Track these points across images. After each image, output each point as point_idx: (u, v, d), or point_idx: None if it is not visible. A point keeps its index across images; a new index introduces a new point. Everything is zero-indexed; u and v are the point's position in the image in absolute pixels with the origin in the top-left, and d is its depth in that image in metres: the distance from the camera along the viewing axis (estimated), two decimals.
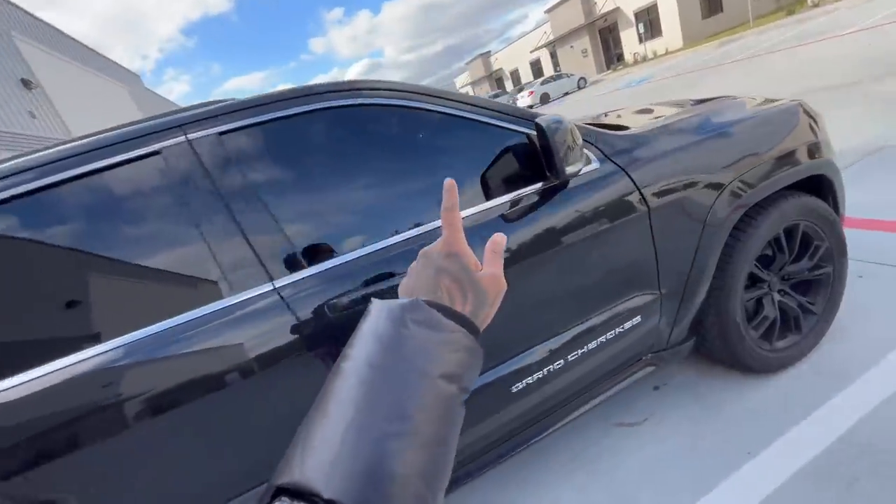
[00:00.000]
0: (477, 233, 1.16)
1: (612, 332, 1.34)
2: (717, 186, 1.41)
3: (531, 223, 1.22)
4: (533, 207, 1.23)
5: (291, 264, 1.04)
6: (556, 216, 1.24)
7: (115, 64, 17.53)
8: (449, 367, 0.33)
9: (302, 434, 0.31)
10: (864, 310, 1.86)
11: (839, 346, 1.72)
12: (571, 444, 1.68)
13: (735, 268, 1.48)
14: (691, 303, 1.46)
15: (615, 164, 1.31)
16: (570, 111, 13.94)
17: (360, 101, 1.16)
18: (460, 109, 1.22)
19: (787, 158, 1.55)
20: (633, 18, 23.30)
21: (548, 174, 1.17)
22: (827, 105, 4.89)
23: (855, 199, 2.77)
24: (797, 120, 1.65)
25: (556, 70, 29.44)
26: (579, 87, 21.85)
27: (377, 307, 0.36)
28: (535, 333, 1.28)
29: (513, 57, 37.47)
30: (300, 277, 1.03)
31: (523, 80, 35.05)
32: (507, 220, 1.21)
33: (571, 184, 1.27)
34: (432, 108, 1.18)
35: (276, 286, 1.02)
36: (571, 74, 22.60)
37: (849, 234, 2.45)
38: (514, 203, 1.23)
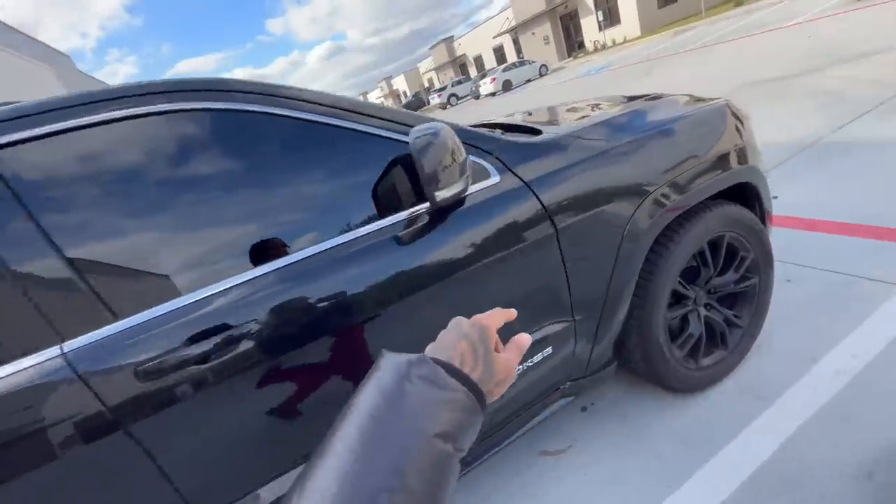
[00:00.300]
0: (363, 258, 0.98)
1: (519, 367, 1.19)
2: (637, 198, 1.27)
3: (420, 250, 1.04)
4: (422, 231, 1.04)
5: (86, 321, 0.81)
6: (449, 241, 1.06)
7: (40, 43, 15.88)
8: (445, 427, 0.34)
9: (301, 477, 0.32)
10: (791, 317, 1.80)
11: (765, 359, 1.65)
12: (493, 476, 1.55)
13: (657, 286, 1.36)
14: (610, 326, 1.33)
15: (518, 177, 1.14)
16: (531, 100, 13.89)
17: (199, 105, 0.92)
18: (329, 116, 1.00)
19: (715, 165, 1.43)
20: (592, 6, 23.40)
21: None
22: (767, 98, 4.98)
23: (788, 196, 2.77)
24: (726, 121, 1.54)
25: (519, 57, 29.32)
26: (541, 75, 21.82)
27: (386, 359, 0.37)
28: None
29: (476, 42, 37.02)
30: (98, 338, 0.80)
31: (487, 67, 34.76)
32: (396, 245, 1.02)
33: (467, 202, 1.09)
34: (289, 115, 0.96)
35: (66, 350, 0.79)
36: (533, 61, 22.51)
37: (779, 234, 2.44)
38: (404, 224, 1.04)
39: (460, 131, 1.14)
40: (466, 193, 1.08)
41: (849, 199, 2.50)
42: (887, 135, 3.11)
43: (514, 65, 22.40)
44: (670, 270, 1.37)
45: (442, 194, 0.90)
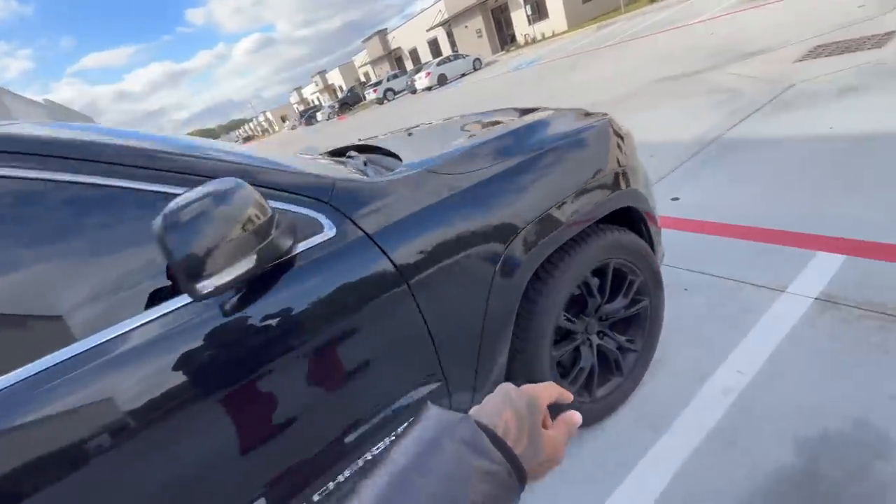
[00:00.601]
0: (176, 341, 0.76)
1: (377, 448, 1.03)
2: (508, 234, 1.14)
3: (240, 323, 0.84)
4: (241, 304, 0.85)
5: None
6: (267, 315, 0.87)
7: None
8: (478, 498, 0.31)
9: None
10: (686, 331, 1.80)
11: (660, 381, 1.62)
12: None
13: (538, 325, 1.25)
14: (489, 375, 1.21)
15: (359, 228, 0.97)
16: (466, 94, 13.88)
17: None
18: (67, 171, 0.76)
19: (595, 191, 1.35)
20: (521, 0, 23.77)
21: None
22: (674, 95, 5.21)
23: (689, 198, 2.85)
24: (607, 142, 1.46)
25: (453, 50, 29.25)
26: (475, 69, 21.90)
27: (429, 412, 0.36)
28: (263, 472, 0.92)
29: (411, 35, 36.47)
30: None
31: (423, 60, 34.39)
32: (216, 316, 0.82)
33: (299, 261, 0.91)
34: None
35: None
36: (467, 55, 22.53)
37: (679, 238, 2.48)
38: (223, 291, 0.83)
39: (285, 176, 0.95)
40: (293, 253, 0.89)
41: (742, 200, 2.60)
42: (775, 132, 3.30)
43: (448, 59, 22.30)
44: (552, 307, 1.27)
45: (208, 283, 0.69)
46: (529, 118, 1.48)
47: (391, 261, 0.97)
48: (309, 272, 0.90)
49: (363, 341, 0.96)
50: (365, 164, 1.31)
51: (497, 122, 1.60)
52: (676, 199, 2.87)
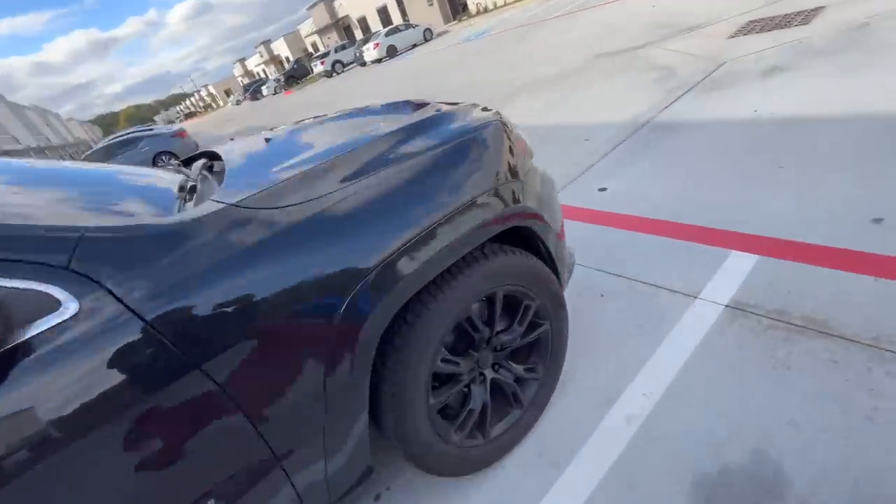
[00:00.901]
0: None
1: None
2: (351, 281, 0.93)
3: None
4: None
5: None
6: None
7: None
8: None
9: None
10: (598, 343, 1.68)
11: (568, 403, 1.49)
12: None
13: (408, 378, 1.06)
14: (344, 441, 1.01)
15: (117, 299, 0.71)
16: (418, 67, 13.32)
17: None
18: None
19: (475, 209, 1.14)
20: None
21: None
22: (612, 72, 5.08)
23: (617, 187, 2.73)
24: (497, 146, 1.26)
25: (404, 19, 27.93)
26: (426, 39, 21.03)
27: None
28: None
29: (359, 3, 34.46)
30: None
31: (373, 29, 32.69)
32: None
33: (16, 355, 0.65)
34: None
35: None
36: (417, 25, 21.57)
37: (600, 232, 2.36)
38: None
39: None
40: (4, 347, 0.64)
41: (667, 190, 2.49)
42: (703, 115, 3.23)
43: (397, 28, 21.27)
44: (424, 353, 1.07)
45: None
46: (398, 122, 1.24)
47: (167, 341, 0.73)
48: (29, 372, 0.65)
49: (128, 452, 0.73)
50: (181, 188, 1.04)
51: (372, 124, 1.35)
52: (604, 189, 2.75)
